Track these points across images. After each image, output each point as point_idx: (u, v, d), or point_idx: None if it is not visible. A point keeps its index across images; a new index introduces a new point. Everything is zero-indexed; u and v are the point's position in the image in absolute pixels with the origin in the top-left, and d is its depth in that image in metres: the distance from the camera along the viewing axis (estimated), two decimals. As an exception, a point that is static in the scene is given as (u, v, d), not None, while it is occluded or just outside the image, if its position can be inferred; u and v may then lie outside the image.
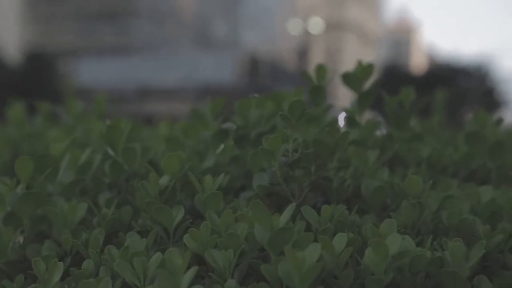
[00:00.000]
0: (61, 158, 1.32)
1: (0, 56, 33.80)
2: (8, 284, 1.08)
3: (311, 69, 1.57)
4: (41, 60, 35.17)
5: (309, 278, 0.85)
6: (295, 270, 0.86)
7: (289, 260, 0.87)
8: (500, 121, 1.49)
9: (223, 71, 44.57)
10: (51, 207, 1.16)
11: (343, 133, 1.20)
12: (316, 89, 1.55)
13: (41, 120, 2.25)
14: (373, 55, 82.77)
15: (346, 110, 1.58)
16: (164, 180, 1.19)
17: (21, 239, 1.20)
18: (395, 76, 35.05)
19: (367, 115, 1.62)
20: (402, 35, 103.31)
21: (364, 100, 1.52)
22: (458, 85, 35.42)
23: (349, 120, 1.56)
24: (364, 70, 1.51)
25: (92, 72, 43.23)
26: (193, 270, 0.88)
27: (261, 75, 47.13)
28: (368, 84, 1.54)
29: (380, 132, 1.56)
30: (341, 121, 1.60)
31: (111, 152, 1.39)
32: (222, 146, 1.47)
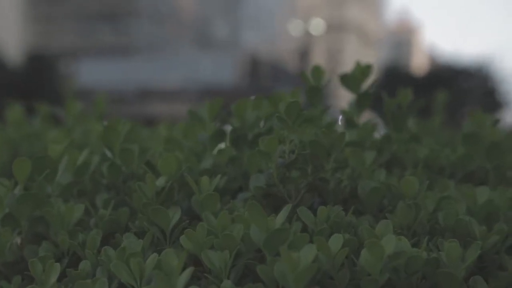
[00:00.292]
0: (59, 159, 1.32)
1: (0, 56, 33.81)
2: (6, 285, 1.08)
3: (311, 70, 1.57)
4: (42, 61, 35.21)
5: (304, 278, 0.86)
6: (290, 271, 0.86)
7: (284, 261, 0.87)
8: (497, 121, 1.50)
9: (223, 71, 44.57)
10: (49, 208, 1.16)
11: (339, 134, 1.20)
12: (313, 90, 1.55)
13: (40, 121, 2.26)
14: (374, 56, 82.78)
15: (344, 111, 1.58)
16: (161, 181, 1.19)
17: (18, 240, 1.20)
18: (396, 77, 35.05)
19: (367, 116, 1.63)
20: (403, 36, 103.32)
21: (363, 101, 1.52)
22: (459, 86, 35.42)
23: (347, 121, 1.57)
24: (362, 71, 1.51)
25: (92, 73, 43.23)
26: (189, 271, 0.89)
27: (261, 75, 47.14)
28: (366, 85, 1.54)
29: (379, 133, 1.56)
30: (341, 122, 1.60)
31: (108, 153, 1.40)
32: (219, 147, 1.48)
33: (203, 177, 1.18)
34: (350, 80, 1.51)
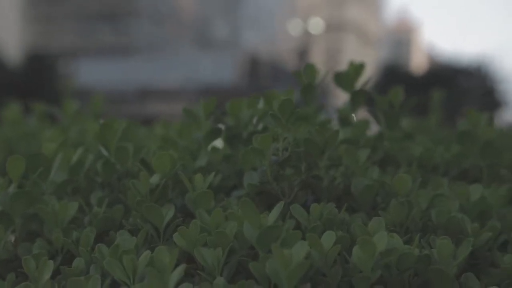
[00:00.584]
0: (53, 158, 1.32)
1: (0, 56, 33.81)
2: (0, 283, 1.09)
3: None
4: (41, 61, 35.21)
5: (296, 275, 0.86)
6: (282, 268, 0.86)
7: (277, 258, 0.88)
8: (491, 120, 1.50)
9: (223, 71, 44.59)
10: (42, 206, 1.17)
11: (333, 132, 1.21)
12: (307, 88, 1.55)
13: (36, 121, 2.26)
14: (374, 55, 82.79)
15: (339, 109, 1.59)
16: (154, 179, 1.19)
17: (12, 238, 1.20)
18: (395, 76, 35.07)
19: (365, 115, 1.63)
20: (403, 35, 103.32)
21: (356, 99, 1.52)
22: (459, 85, 35.44)
23: (342, 119, 1.57)
24: (355, 69, 1.51)
25: (92, 73, 43.25)
26: (181, 268, 0.89)
27: (261, 75, 47.15)
28: (360, 83, 1.55)
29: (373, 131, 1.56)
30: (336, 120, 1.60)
31: (104, 151, 1.40)
32: (214, 144, 1.48)
33: (197, 175, 1.19)
34: (344, 79, 1.51)
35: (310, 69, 1.50)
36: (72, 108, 2.23)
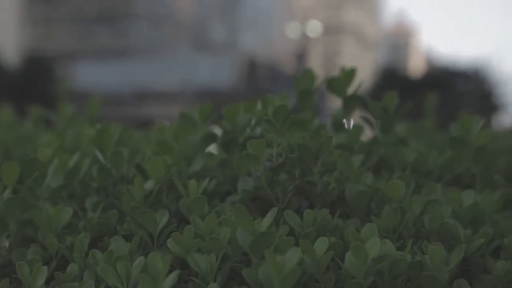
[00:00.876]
0: (49, 163, 1.33)
1: (-2, 58, 33.81)
2: (-6, 288, 1.09)
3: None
4: (39, 63, 35.19)
5: (289, 282, 0.86)
6: (275, 274, 0.87)
7: (269, 264, 0.88)
8: (485, 125, 1.50)
9: (221, 74, 44.57)
10: (37, 212, 1.17)
11: (327, 138, 1.21)
12: (304, 94, 1.56)
13: (32, 124, 2.26)
14: (371, 59, 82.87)
15: (332, 115, 1.59)
16: (149, 184, 1.20)
17: (7, 243, 1.21)
18: (393, 79, 35.11)
19: (360, 116, 1.63)
20: (400, 39, 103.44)
21: (349, 104, 1.53)
22: (456, 88, 35.48)
23: (336, 124, 1.58)
24: (347, 75, 1.52)
25: (89, 75, 43.21)
26: (174, 274, 0.90)
27: (259, 78, 47.15)
28: (352, 88, 1.55)
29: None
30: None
31: (99, 156, 1.40)
32: (209, 149, 1.48)
33: (191, 181, 1.19)
34: (336, 85, 1.51)
35: (308, 74, 1.51)
36: (68, 111, 2.23)
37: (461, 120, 1.48)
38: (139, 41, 55.93)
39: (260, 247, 0.97)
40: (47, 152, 1.34)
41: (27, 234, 1.23)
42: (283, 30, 69.59)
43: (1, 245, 1.17)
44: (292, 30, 70.43)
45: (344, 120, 1.56)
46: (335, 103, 1.59)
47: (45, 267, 1.03)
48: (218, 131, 1.55)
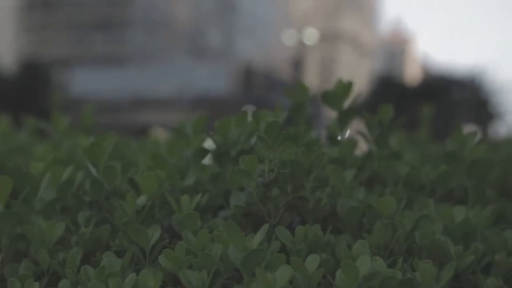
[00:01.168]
0: (42, 176, 1.32)
1: (-5, 65, 33.77)
2: (-14, 304, 1.09)
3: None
4: (36, 70, 35.18)
5: (279, 300, 0.87)
6: (266, 292, 0.87)
7: (260, 281, 0.88)
8: (480, 140, 1.50)
9: (217, 81, 44.62)
10: (29, 226, 1.17)
11: (319, 154, 1.22)
12: (296, 107, 1.56)
13: (27, 135, 2.26)
14: (368, 66, 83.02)
15: (327, 127, 1.60)
16: (141, 199, 1.20)
17: (-1, 258, 1.20)
18: (389, 87, 35.18)
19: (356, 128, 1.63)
20: (397, 46, 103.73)
21: (344, 118, 1.53)
22: (452, 97, 35.56)
23: (330, 137, 1.58)
24: (344, 88, 1.52)
25: (86, 82, 43.22)
26: (165, 291, 0.90)
27: (255, 85, 47.21)
28: (348, 102, 1.55)
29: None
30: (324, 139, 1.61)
31: (92, 169, 1.40)
32: (203, 163, 1.49)
33: (184, 196, 1.19)
34: (331, 98, 1.51)
35: (301, 87, 1.51)
36: (63, 122, 2.23)
37: (456, 133, 1.48)
38: (136, 48, 55.96)
39: (252, 264, 0.98)
40: (39, 166, 1.34)
41: (19, 248, 1.23)
42: (280, 37, 69.73)
43: (-8, 260, 1.17)
44: (289, 38, 70.56)
45: (339, 134, 1.56)
46: (332, 111, 1.59)
47: (37, 283, 1.03)
48: (210, 143, 1.55)
